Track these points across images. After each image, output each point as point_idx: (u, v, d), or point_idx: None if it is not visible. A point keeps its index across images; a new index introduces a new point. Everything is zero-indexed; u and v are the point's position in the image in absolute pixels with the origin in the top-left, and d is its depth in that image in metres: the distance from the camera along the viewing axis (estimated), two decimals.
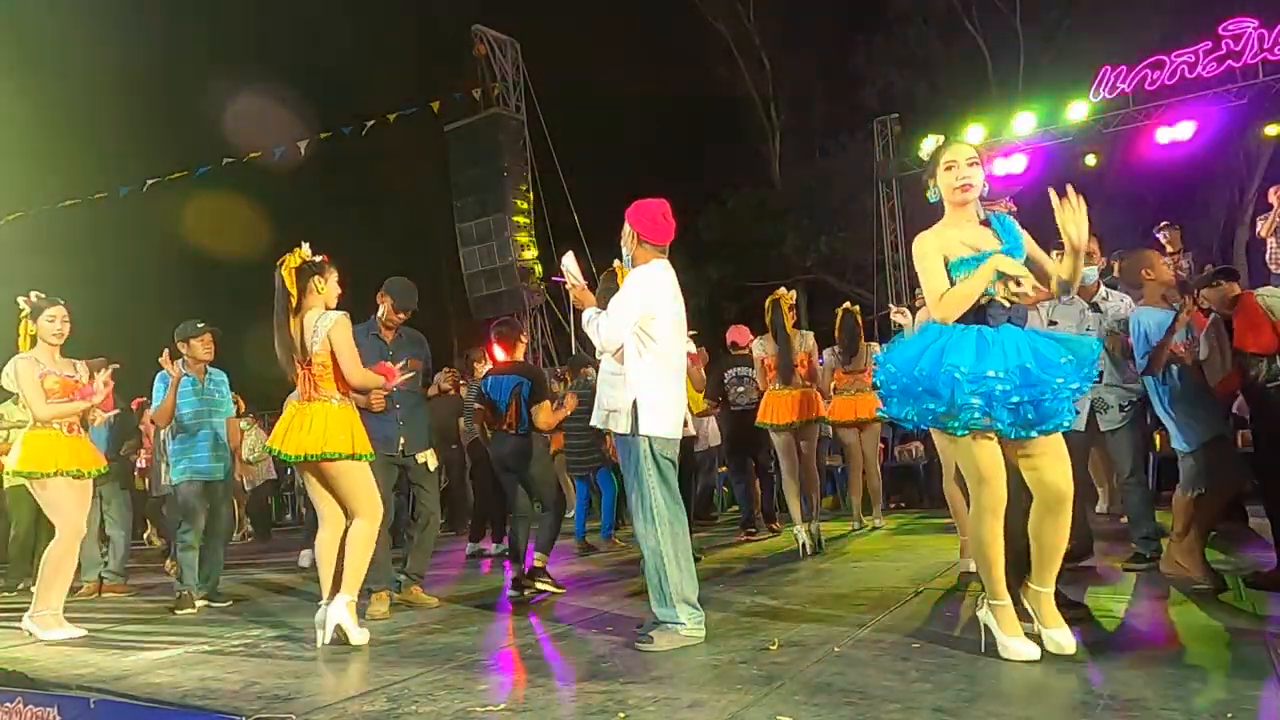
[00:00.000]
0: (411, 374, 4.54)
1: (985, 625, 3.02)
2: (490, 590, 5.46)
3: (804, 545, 5.94)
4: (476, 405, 5.57)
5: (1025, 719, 2.41)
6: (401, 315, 4.89)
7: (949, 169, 3.08)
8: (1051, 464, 2.93)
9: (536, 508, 5.38)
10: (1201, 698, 2.46)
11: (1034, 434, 2.89)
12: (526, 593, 4.95)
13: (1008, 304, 2.96)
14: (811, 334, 6.48)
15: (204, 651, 3.99)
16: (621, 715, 2.60)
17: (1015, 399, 2.82)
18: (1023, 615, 3.02)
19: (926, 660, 3.00)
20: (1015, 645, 2.90)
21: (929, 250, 3.05)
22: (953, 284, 2.99)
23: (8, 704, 3.24)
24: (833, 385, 7.13)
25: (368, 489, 4.05)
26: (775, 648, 3.31)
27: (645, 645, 3.42)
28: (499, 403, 5.24)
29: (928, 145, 3.32)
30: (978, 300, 2.94)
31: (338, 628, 3.86)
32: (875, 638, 3.39)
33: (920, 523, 7.41)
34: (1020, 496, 2.98)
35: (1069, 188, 2.89)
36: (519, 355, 5.53)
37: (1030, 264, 3.02)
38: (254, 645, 4.08)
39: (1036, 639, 2.94)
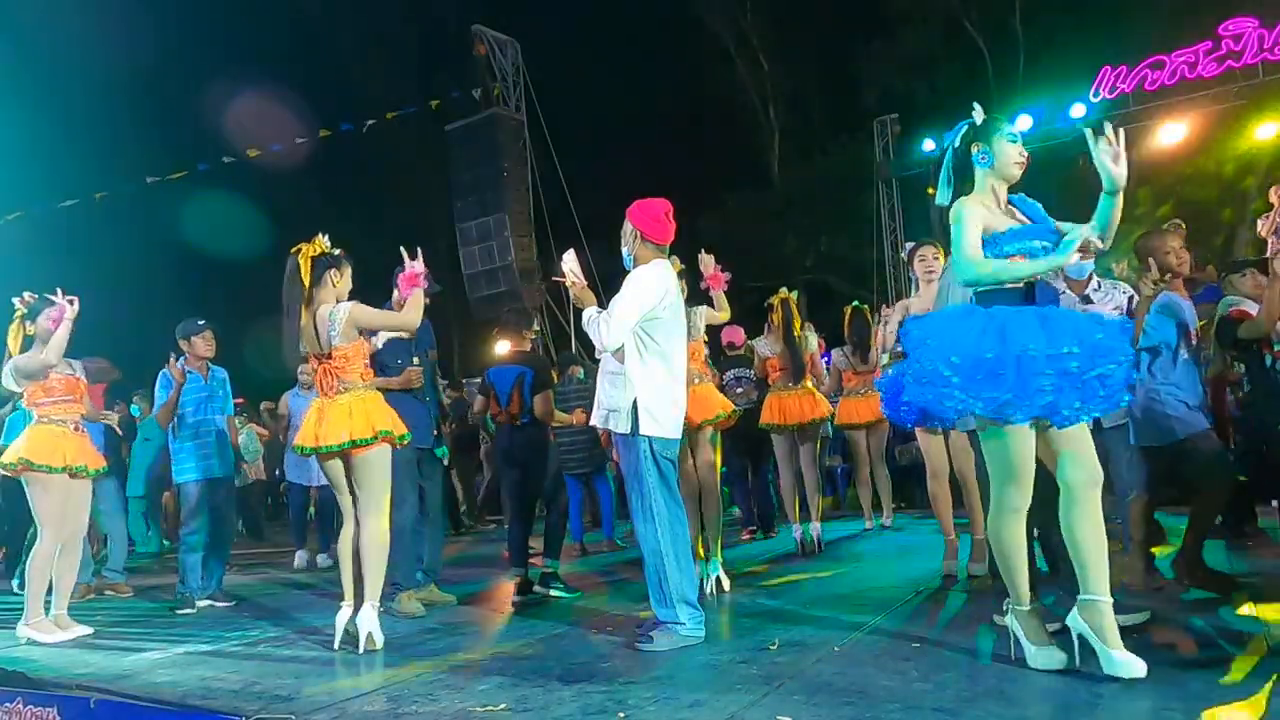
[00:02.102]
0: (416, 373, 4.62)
1: (1012, 633, 2.88)
2: (491, 590, 5.46)
3: (801, 545, 5.95)
4: (479, 395, 5.52)
5: (1025, 719, 2.42)
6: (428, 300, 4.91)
7: (1014, 141, 2.90)
8: (1087, 447, 2.77)
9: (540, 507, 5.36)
10: (1201, 699, 2.45)
11: (1094, 415, 2.72)
12: (536, 591, 4.93)
13: (1050, 287, 2.83)
14: (814, 334, 6.46)
15: (204, 651, 3.99)
16: (621, 715, 2.60)
17: (1095, 372, 2.64)
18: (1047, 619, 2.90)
19: (926, 660, 3.00)
20: (1043, 654, 2.77)
21: (972, 213, 2.83)
22: (1007, 257, 2.79)
23: (8, 704, 3.24)
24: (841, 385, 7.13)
25: (383, 484, 3.90)
26: (775, 648, 3.31)
27: (645, 645, 3.42)
28: (501, 393, 5.20)
29: (978, 111, 3.12)
30: (1027, 280, 2.80)
31: (368, 636, 3.72)
32: (875, 638, 3.39)
33: (921, 523, 7.40)
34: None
35: (1107, 125, 2.73)
36: (525, 346, 5.47)
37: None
38: (254, 645, 4.08)
39: (1061, 642, 2.78)
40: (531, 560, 5.13)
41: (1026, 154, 2.91)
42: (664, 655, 3.33)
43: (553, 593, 4.95)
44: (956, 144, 3.00)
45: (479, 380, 6.06)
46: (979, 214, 2.84)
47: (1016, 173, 2.91)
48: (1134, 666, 2.58)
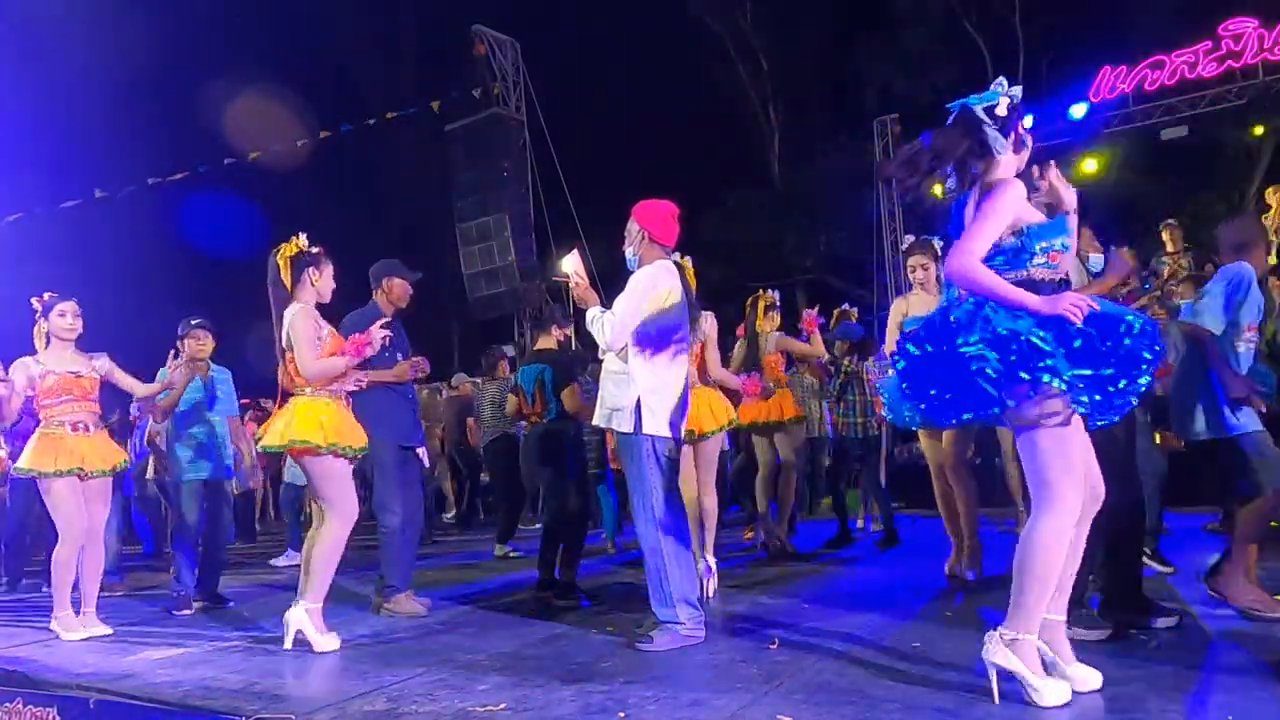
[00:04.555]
0: (420, 363, 4.65)
1: (1001, 669, 2.48)
2: (492, 591, 5.45)
3: (760, 545, 5.94)
4: (510, 396, 5.69)
5: (1025, 719, 2.42)
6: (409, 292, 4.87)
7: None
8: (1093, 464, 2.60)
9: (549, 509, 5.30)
10: (1201, 699, 2.46)
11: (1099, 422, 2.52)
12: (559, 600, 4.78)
13: (1056, 281, 2.62)
14: (779, 334, 6.35)
15: (204, 651, 3.98)
16: (621, 715, 2.60)
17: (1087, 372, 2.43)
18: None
19: (926, 660, 3.00)
20: (1052, 689, 2.44)
21: (1007, 205, 2.57)
22: (1031, 253, 2.56)
23: (7, 704, 3.23)
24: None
25: (337, 488, 3.88)
26: (775, 648, 3.32)
27: (645, 645, 3.43)
28: (527, 393, 5.26)
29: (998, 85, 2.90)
30: (1025, 274, 2.57)
31: (299, 634, 3.74)
32: (875, 637, 3.39)
33: (922, 523, 7.40)
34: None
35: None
36: (550, 344, 5.46)
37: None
38: (254, 645, 4.07)
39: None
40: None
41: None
42: (664, 655, 3.33)
43: (559, 602, 4.76)
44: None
45: None
46: (1013, 206, 2.58)
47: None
48: (1091, 676, 2.55)
